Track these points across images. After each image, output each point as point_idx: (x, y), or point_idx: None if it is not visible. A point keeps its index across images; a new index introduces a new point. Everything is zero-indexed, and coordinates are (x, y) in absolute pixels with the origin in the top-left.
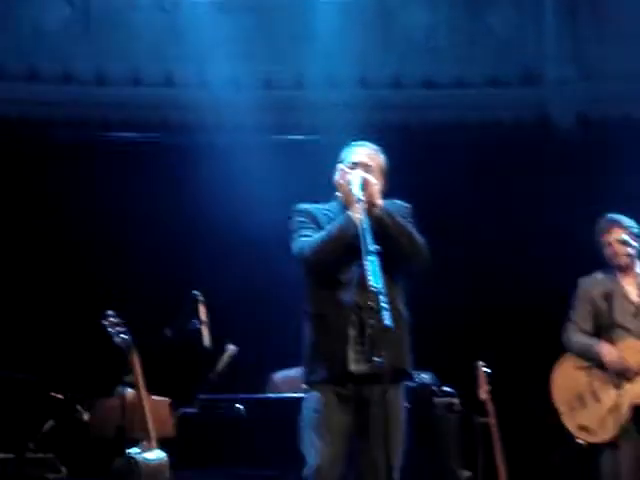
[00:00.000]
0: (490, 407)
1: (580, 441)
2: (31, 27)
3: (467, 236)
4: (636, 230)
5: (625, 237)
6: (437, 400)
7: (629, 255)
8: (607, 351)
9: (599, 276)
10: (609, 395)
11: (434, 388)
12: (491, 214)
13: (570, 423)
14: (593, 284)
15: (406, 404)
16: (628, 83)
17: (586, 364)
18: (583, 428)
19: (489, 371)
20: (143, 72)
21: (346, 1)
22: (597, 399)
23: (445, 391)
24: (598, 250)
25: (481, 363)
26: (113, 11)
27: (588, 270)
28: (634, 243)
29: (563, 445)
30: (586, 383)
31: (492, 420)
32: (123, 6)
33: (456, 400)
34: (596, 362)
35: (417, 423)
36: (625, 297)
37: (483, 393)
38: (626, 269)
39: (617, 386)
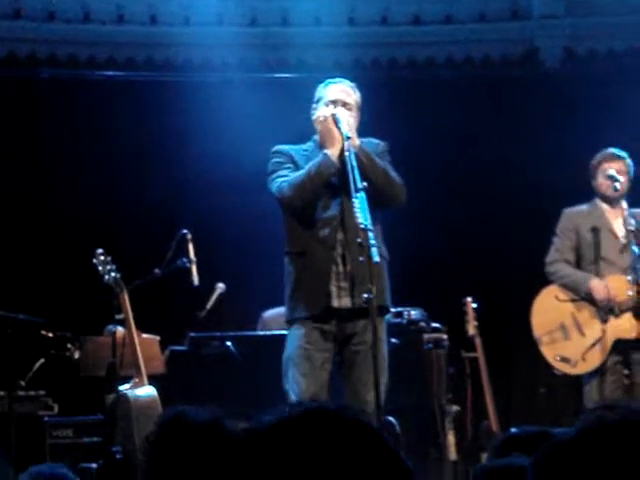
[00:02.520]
0: (478, 342)
1: (557, 372)
2: None
3: (454, 171)
4: (629, 166)
5: (612, 172)
6: (426, 336)
7: (616, 190)
8: (599, 287)
9: (585, 208)
10: (594, 329)
11: (423, 324)
12: (480, 149)
13: (550, 353)
14: (579, 216)
15: (394, 340)
16: (614, 17)
17: (571, 296)
18: (564, 359)
19: (477, 306)
20: (127, 9)
21: None
22: (581, 332)
23: (434, 327)
24: (588, 181)
25: (469, 299)
26: None
27: (575, 202)
28: (622, 179)
29: (548, 377)
30: (570, 315)
31: (480, 355)
32: None
33: (444, 335)
34: (583, 296)
35: (406, 359)
36: (611, 232)
37: (471, 328)
38: (612, 203)
39: (603, 320)
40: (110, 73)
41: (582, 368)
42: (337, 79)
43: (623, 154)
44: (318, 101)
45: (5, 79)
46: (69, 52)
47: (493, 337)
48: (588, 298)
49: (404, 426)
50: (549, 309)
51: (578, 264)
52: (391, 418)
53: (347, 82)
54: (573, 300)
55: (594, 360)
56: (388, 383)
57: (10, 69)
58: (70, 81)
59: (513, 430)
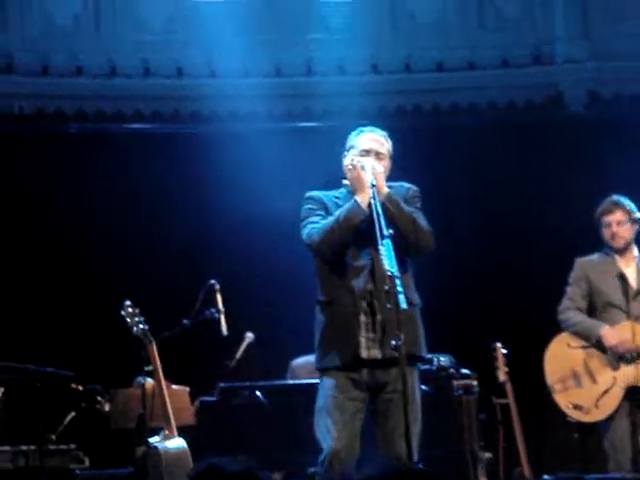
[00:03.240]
0: (509, 388)
1: (571, 419)
2: (43, 22)
3: (480, 217)
4: (637, 213)
5: (622, 220)
6: (456, 382)
7: (626, 238)
8: (610, 335)
9: (595, 257)
10: (606, 376)
11: (452, 370)
12: (505, 195)
13: (563, 401)
14: (589, 264)
15: (424, 387)
16: (638, 61)
17: (582, 343)
18: (577, 407)
19: (507, 352)
20: (153, 63)
21: None
22: (594, 379)
23: (463, 373)
24: (597, 230)
25: (499, 344)
26: (122, 3)
27: (601, 246)
28: (632, 226)
29: (581, 423)
30: (582, 363)
31: (511, 401)
32: None
33: (474, 382)
34: (594, 343)
35: (436, 406)
36: (622, 279)
37: (502, 374)
38: (623, 251)
39: (614, 368)
40: (137, 126)
41: (595, 415)
42: (369, 127)
43: (623, 202)
44: (350, 149)
45: (34, 134)
46: (96, 106)
47: (524, 383)
48: (599, 345)
49: (437, 474)
50: (561, 357)
51: (590, 312)
52: (422, 467)
53: (379, 131)
54: (584, 347)
55: (607, 407)
56: (421, 431)
57: (38, 124)
58: (97, 135)
59: (546, 477)
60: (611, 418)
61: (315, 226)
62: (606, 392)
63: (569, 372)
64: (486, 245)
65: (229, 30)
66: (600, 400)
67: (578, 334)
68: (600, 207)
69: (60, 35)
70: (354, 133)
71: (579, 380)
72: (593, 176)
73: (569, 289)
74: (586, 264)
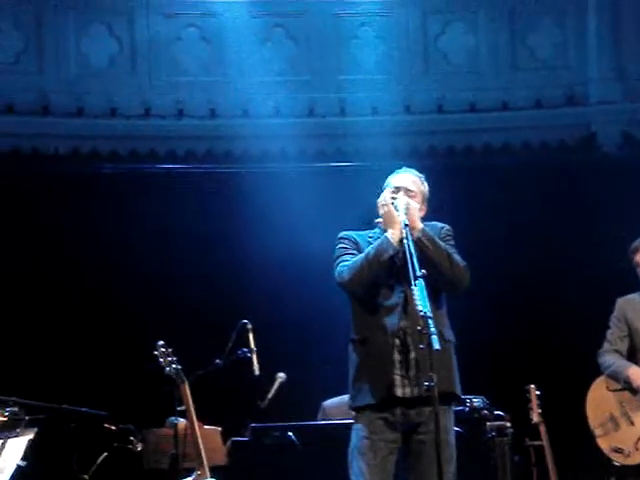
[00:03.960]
0: (543, 430)
1: (616, 463)
2: (79, 64)
3: (513, 258)
4: None
5: None
6: (489, 424)
7: None
8: (636, 375)
9: (636, 296)
10: None
11: (486, 412)
12: (538, 235)
13: (604, 445)
14: (629, 304)
15: (457, 428)
16: None
17: (618, 386)
18: (617, 450)
19: (540, 393)
20: (187, 104)
21: (387, 27)
22: (630, 421)
23: (497, 414)
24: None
25: (532, 386)
26: (157, 45)
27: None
28: None
29: (618, 465)
30: (618, 405)
31: (545, 443)
32: (167, 39)
33: (508, 424)
34: (626, 385)
35: (470, 447)
36: None
37: (535, 416)
38: None
39: None
40: (170, 166)
41: (636, 458)
42: (406, 169)
43: None
44: (385, 187)
45: (69, 175)
46: (130, 147)
47: (558, 424)
48: (630, 387)
49: None
50: (600, 400)
51: (632, 353)
52: None
53: (414, 172)
54: (620, 390)
55: None
56: (455, 473)
57: (74, 165)
58: (132, 175)
59: None
60: None
61: (346, 264)
62: None
63: (607, 415)
64: (519, 286)
65: (262, 71)
66: (639, 442)
67: (611, 377)
68: (632, 246)
69: (95, 76)
70: (392, 174)
71: (617, 423)
72: (626, 217)
73: (609, 330)
74: (625, 304)
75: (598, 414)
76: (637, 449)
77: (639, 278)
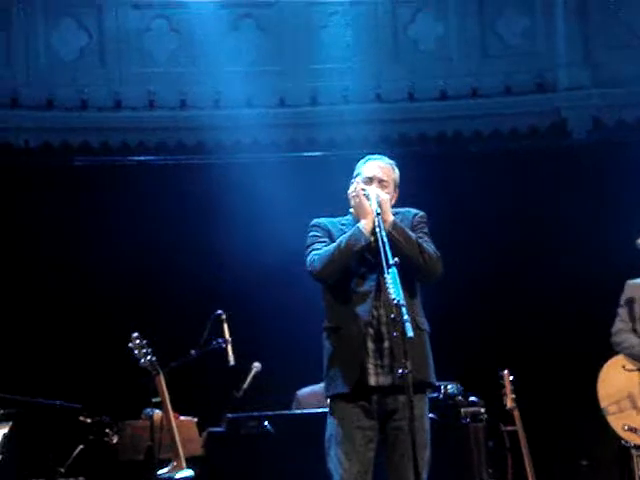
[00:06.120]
0: (517, 415)
1: (625, 443)
2: (48, 56)
3: (485, 244)
4: None
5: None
6: (463, 410)
7: None
8: None
9: None
10: None
11: (460, 398)
12: (509, 221)
13: (617, 424)
14: (636, 286)
15: (431, 415)
16: None
17: (638, 366)
18: (632, 429)
19: (514, 379)
20: (158, 95)
21: (357, 16)
22: None
23: (471, 401)
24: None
25: (506, 372)
26: (126, 37)
27: (607, 273)
28: None
29: (591, 449)
30: (638, 385)
31: (519, 428)
32: (136, 30)
33: (482, 409)
34: None
35: (444, 433)
36: None
37: (509, 401)
38: None
39: None
40: (142, 158)
41: None
42: (377, 156)
43: None
44: (356, 176)
45: (40, 168)
46: (101, 139)
47: (532, 409)
48: None
49: None
50: (616, 379)
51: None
52: None
53: (386, 159)
54: None
55: None
56: (430, 459)
57: (44, 158)
58: (103, 168)
59: None
60: None
61: (318, 252)
62: None
63: (624, 394)
64: (492, 271)
65: (233, 61)
66: None
67: (634, 357)
68: None
69: (65, 69)
70: (362, 161)
71: (635, 402)
72: (596, 201)
73: (621, 310)
74: (633, 286)
75: (612, 393)
76: None
77: None
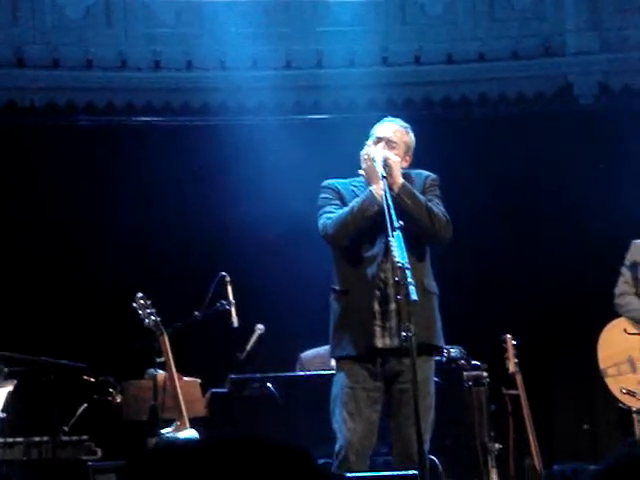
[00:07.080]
0: (519, 379)
1: (622, 405)
2: (54, 16)
3: (490, 208)
4: None
5: None
6: (466, 374)
7: None
8: None
9: None
10: None
11: (462, 362)
12: (515, 185)
13: (615, 386)
14: None
15: (436, 379)
16: None
17: (636, 330)
18: (629, 392)
19: (517, 343)
20: (163, 56)
21: None
22: None
23: (473, 364)
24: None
25: (509, 336)
26: None
27: (611, 239)
28: None
29: (592, 413)
30: (638, 349)
31: (521, 392)
32: None
33: (484, 373)
34: None
35: (447, 397)
36: None
37: (512, 365)
38: None
39: None
40: (147, 119)
41: None
42: (391, 118)
43: None
44: (370, 137)
45: (45, 127)
46: (107, 99)
47: (534, 374)
48: None
49: (446, 465)
50: (616, 342)
51: None
52: (433, 457)
53: (400, 122)
54: None
55: None
56: (434, 421)
57: (49, 117)
58: (108, 128)
59: (556, 467)
60: None
61: (330, 216)
62: None
63: (624, 357)
64: (496, 236)
65: (239, 23)
66: None
67: (637, 320)
68: None
69: (71, 28)
70: (378, 123)
71: (634, 366)
72: (602, 167)
73: (625, 271)
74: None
75: (611, 355)
76: None
77: None
